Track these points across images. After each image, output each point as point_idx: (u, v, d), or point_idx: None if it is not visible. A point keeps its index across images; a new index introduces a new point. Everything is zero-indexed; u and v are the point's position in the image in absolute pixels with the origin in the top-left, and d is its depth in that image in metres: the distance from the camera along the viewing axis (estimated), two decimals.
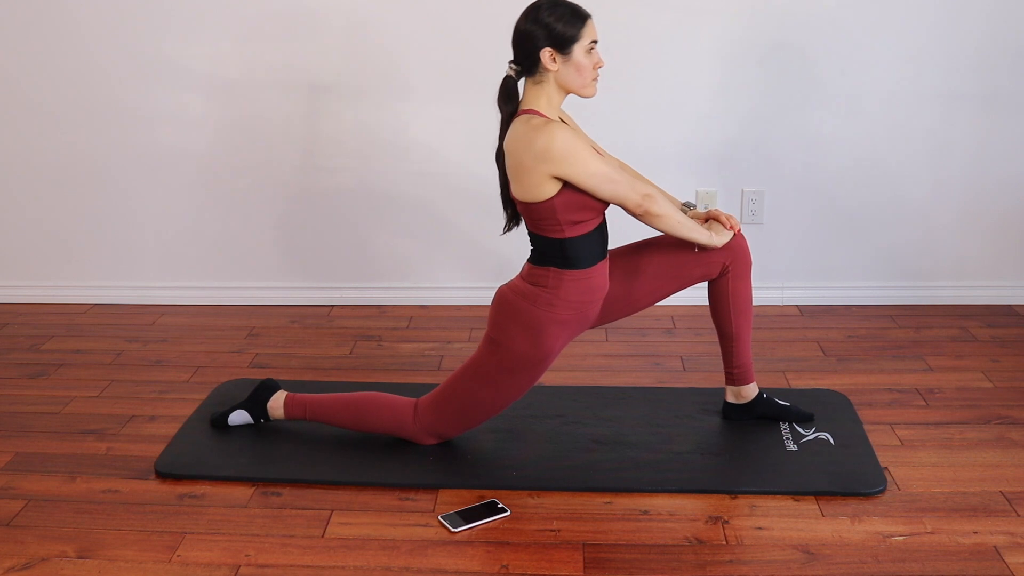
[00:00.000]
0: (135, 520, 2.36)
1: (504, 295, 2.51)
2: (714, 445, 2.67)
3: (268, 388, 2.76)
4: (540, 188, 2.37)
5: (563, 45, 2.36)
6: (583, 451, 2.64)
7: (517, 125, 2.39)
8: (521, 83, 2.45)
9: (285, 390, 2.77)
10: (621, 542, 2.25)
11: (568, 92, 2.44)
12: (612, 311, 2.64)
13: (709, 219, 2.64)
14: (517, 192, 2.42)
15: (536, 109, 2.41)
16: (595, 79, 2.44)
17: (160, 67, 3.62)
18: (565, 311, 2.46)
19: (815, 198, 3.67)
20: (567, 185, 2.37)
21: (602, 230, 2.51)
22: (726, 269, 2.65)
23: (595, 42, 2.40)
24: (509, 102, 2.44)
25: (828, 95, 3.55)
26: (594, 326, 2.63)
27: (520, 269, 2.56)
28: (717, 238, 2.58)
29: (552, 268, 2.45)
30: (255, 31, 3.56)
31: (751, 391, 2.76)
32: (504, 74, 2.44)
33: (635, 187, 2.42)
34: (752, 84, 3.56)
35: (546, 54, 2.36)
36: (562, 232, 2.42)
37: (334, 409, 2.68)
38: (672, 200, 2.71)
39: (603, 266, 2.52)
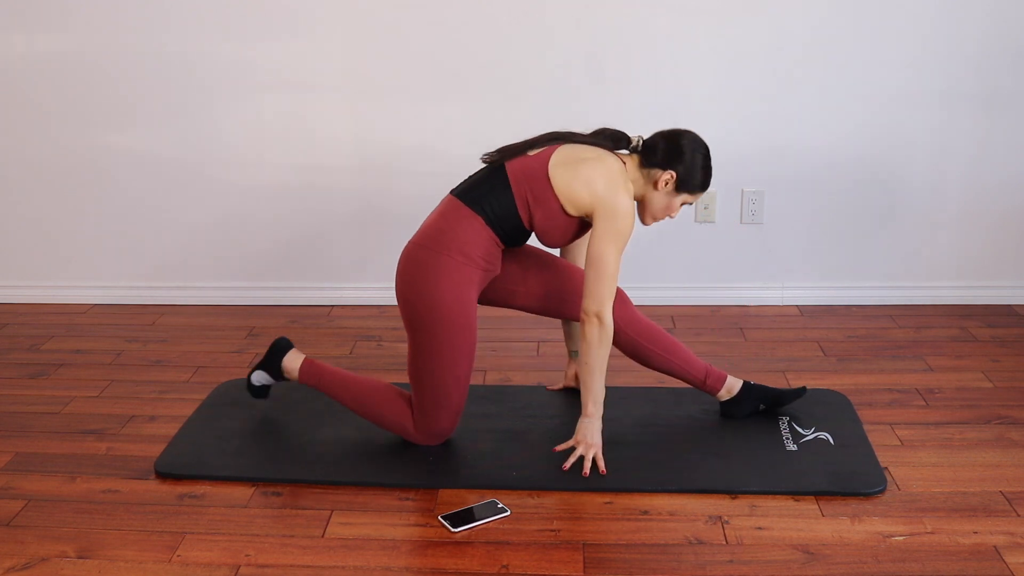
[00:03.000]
0: (135, 520, 2.36)
1: (406, 256, 2.55)
2: (714, 445, 2.66)
3: (281, 349, 2.77)
4: (574, 197, 2.46)
5: (683, 185, 2.52)
6: None
7: (614, 163, 2.50)
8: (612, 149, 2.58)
9: (298, 350, 2.80)
10: (621, 542, 2.25)
11: (638, 201, 2.56)
12: (499, 289, 2.70)
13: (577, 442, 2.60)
14: (559, 179, 2.47)
15: (627, 178, 2.52)
16: (657, 220, 2.60)
17: (160, 67, 3.62)
18: (459, 252, 2.50)
19: (815, 198, 3.67)
20: (584, 225, 2.54)
21: (524, 242, 2.63)
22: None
23: (691, 204, 2.55)
24: (612, 142, 2.56)
25: (828, 95, 3.55)
26: (491, 301, 2.72)
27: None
28: (583, 435, 2.55)
29: (475, 218, 2.51)
30: (255, 31, 3.56)
31: (734, 384, 2.78)
32: (619, 130, 2.58)
33: (609, 298, 2.45)
34: (752, 84, 3.56)
35: (668, 175, 2.49)
36: (529, 220, 2.52)
37: (346, 392, 2.68)
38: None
39: (498, 248, 2.57)
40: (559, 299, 2.71)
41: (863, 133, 3.59)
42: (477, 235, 2.50)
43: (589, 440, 2.53)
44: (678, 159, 2.50)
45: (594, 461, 2.51)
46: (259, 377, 2.82)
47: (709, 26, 3.51)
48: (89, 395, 3.07)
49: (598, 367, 2.48)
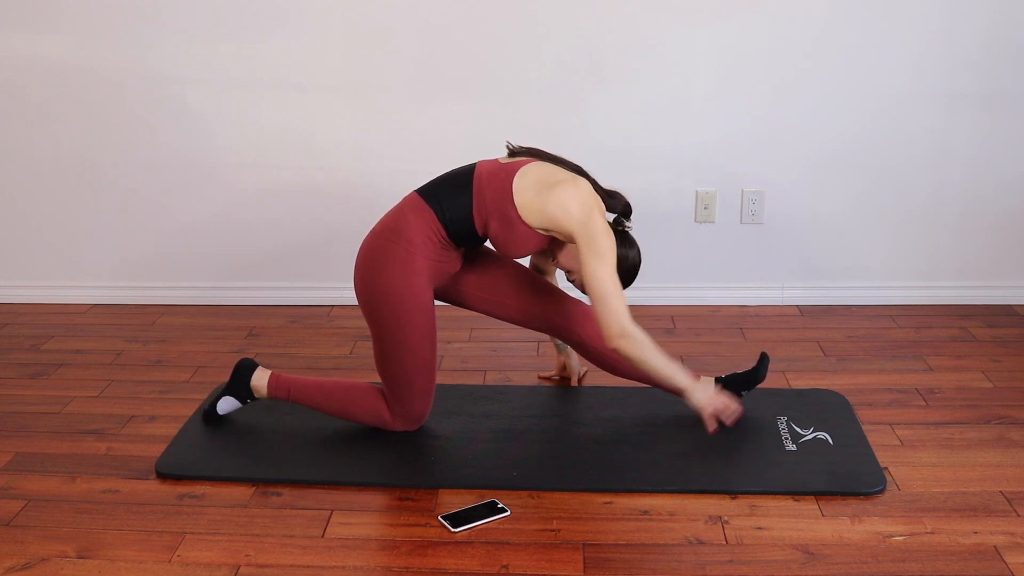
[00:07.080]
0: (135, 520, 2.36)
1: (362, 246, 2.62)
2: (714, 445, 2.66)
3: (247, 368, 2.78)
4: (547, 216, 2.49)
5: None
6: (583, 451, 2.64)
7: (585, 185, 2.55)
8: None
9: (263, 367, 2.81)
10: (621, 542, 2.25)
11: (566, 241, 2.59)
12: (459, 289, 2.77)
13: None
14: (526, 195, 2.51)
15: (599, 198, 2.60)
16: (559, 264, 2.68)
17: (160, 67, 3.62)
18: (407, 241, 2.54)
19: (815, 198, 3.67)
20: (555, 244, 2.61)
21: (478, 246, 2.69)
22: (584, 340, 2.77)
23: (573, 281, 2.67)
24: (615, 205, 2.63)
25: (829, 95, 3.55)
26: (450, 299, 2.79)
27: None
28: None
29: (428, 212, 2.55)
30: (254, 31, 3.56)
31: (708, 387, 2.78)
32: (630, 203, 2.67)
33: (621, 316, 2.47)
34: (752, 84, 3.56)
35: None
36: (484, 227, 2.54)
37: (318, 395, 2.72)
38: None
39: (449, 245, 2.60)
40: (542, 319, 2.78)
41: (863, 133, 3.59)
42: (426, 228, 2.54)
43: (710, 406, 2.60)
44: (629, 245, 2.61)
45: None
46: (226, 405, 2.78)
47: (709, 26, 3.51)
48: (89, 395, 3.07)
49: (658, 364, 2.53)
